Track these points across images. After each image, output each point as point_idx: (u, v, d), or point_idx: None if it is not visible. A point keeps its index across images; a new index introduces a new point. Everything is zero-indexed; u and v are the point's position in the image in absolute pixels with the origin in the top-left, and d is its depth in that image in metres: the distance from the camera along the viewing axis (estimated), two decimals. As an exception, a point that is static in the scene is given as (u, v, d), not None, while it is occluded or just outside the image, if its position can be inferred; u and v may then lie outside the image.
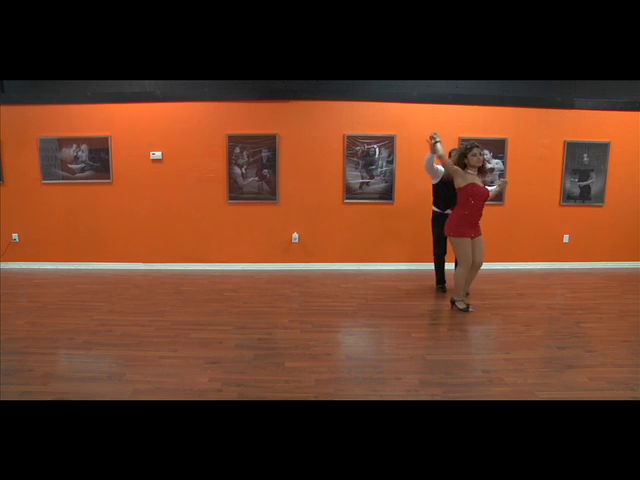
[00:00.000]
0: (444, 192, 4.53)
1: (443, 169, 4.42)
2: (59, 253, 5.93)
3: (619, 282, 5.41)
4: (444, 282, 4.86)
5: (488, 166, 4.16)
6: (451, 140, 5.72)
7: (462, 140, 5.70)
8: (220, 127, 5.69)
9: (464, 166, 3.95)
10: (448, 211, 4.49)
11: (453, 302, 4.23)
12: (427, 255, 5.79)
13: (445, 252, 4.80)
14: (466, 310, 4.14)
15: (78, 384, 2.76)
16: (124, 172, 5.76)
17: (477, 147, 3.95)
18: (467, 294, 4.29)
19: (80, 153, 5.72)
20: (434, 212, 4.73)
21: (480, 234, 4.10)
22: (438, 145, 4.07)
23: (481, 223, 4.13)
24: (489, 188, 4.17)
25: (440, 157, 4.10)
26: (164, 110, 5.65)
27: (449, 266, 4.78)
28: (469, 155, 3.92)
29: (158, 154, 5.72)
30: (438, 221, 4.61)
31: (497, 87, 5.65)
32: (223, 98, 5.62)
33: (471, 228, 4.02)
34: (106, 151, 5.70)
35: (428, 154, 4.39)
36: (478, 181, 3.98)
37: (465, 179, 3.93)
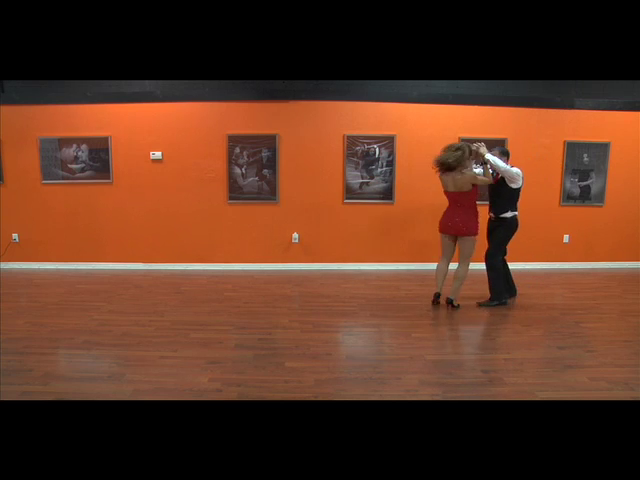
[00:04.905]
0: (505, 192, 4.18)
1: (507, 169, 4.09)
2: (59, 253, 5.93)
3: (619, 282, 5.41)
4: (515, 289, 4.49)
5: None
6: (451, 140, 5.71)
7: (462, 140, 5.70)
8: (220, 127, 5.68)
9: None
10: (503, 215, 4.21)
11: (451, 302, 4.24)
12: (427, 255, 5.80)
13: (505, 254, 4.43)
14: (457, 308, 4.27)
15: (78, 384, 2.76)
16: (124, 172, 5.75)
17: (467, 145, 4.11)
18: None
19: (80, 153, 5.72)
20: (491, 218, 4.33)
21: None
22: (485, 153, 4.02)
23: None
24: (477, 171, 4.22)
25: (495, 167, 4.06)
26: (164, 110, 5.64)
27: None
28: (473, 153, 4.09)
29: (158, 154, 5.72)
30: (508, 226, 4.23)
31: (497, 87, 5.64)
32: (223, 98, 5.61)
33: None
34: (106, 151, 5.69)
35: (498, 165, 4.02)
36: None
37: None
